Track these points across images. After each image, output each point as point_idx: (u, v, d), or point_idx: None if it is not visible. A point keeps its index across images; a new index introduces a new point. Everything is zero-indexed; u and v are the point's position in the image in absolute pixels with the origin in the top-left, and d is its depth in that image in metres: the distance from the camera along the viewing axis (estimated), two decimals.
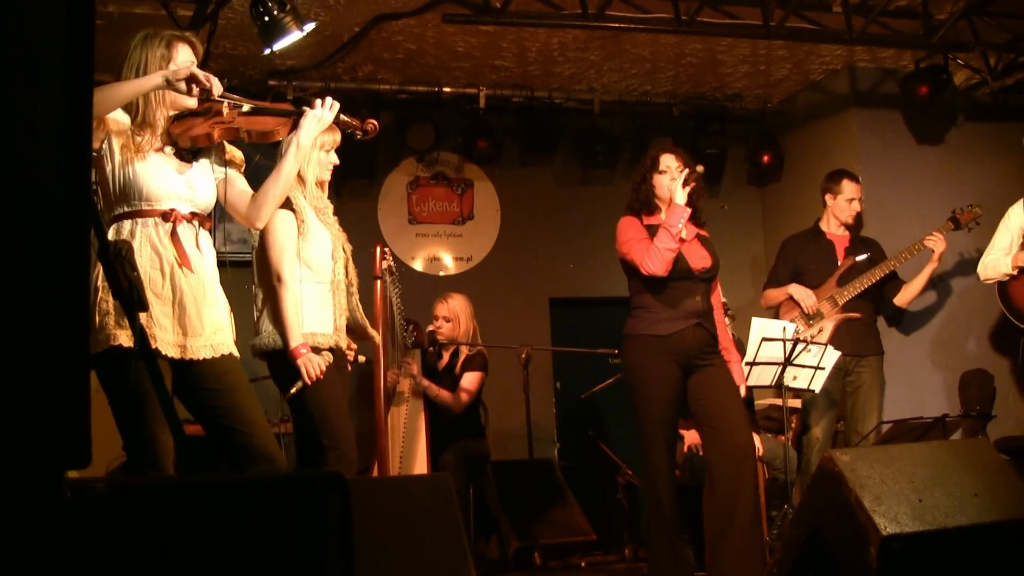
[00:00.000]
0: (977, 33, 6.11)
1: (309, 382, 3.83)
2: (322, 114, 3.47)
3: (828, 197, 6.11)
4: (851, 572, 3.25)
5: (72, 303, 1.38)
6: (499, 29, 6.13)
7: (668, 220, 4.45)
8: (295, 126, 3.47)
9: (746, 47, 6.64)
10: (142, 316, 2.65)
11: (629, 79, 7.17)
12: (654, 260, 4.41)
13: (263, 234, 3.92)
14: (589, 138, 7.44)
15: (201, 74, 3.13)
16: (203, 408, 3.23)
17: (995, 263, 5.97)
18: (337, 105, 3.52)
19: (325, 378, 3.89)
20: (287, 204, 3.87)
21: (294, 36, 5.08)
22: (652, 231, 4.51)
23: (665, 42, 6.47)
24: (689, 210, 4.47)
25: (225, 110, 3.25)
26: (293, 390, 3.89)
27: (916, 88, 6.67)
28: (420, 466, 5.43)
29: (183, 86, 3.12)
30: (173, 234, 3.19)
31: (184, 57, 3.25)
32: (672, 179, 4.54)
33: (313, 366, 3.83)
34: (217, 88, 3.19)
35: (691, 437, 5.73)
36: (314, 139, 3.60)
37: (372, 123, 3.74)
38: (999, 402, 6.33)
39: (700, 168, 4.57)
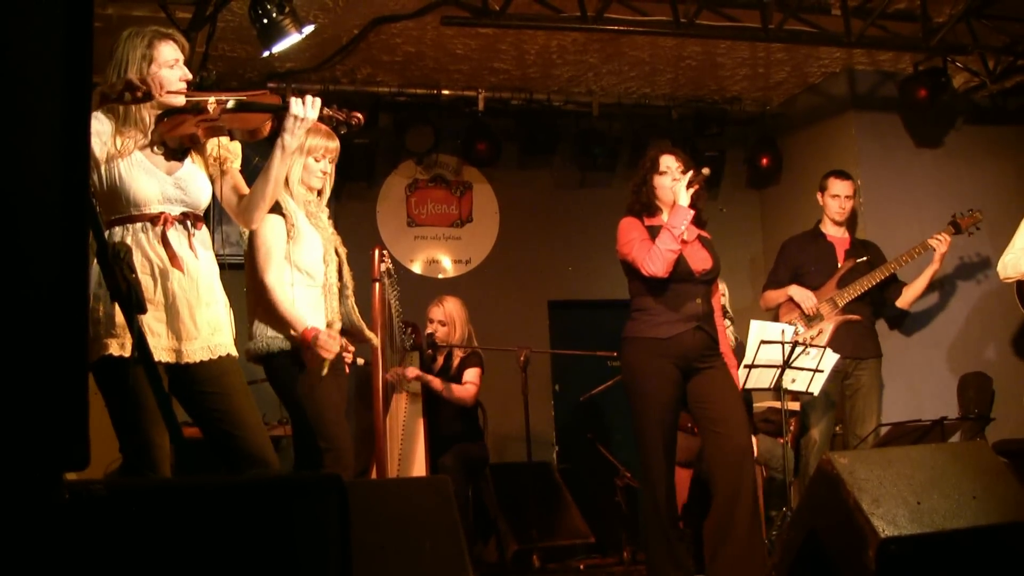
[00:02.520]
0: (976, 36, 6.11)
1: (332, 356, 3.85)
2: (304, 113, 3.40)
3: (819, 195, 6.16)
4: (849, 574, 3.25)
5: (70, 304, 1.38)
6: (498, 31, 6.13)
7: (671, 221, 4.45)
8: (280, 121, 3.43)
9: (745, 50, 6.65)
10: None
11: (628, 82, 7.17)
12: (655, 261, 4.41)
13: (251, 238, 3.92)
14: (588, 141, 7.44)
15: (136, 79, 3.04)
16: (199, 410, 3.23)
17: (1016, 262, 5.92)
18: (319, 102, 3.46)
19: (321, 380, 3.90)
20: (277, 208, 3.87)
21: (293, 38, 5.08)
22: (653, 232, 4.51)
23: (664, 45, 6.48)
24: (692, 212, 4.47)
25: (211, 108, 3.22)
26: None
27: (915, 91, 6.68)
28: (418, 468, 5.43)
29: (126, 96, 3.03)
30: (163, 238, 3.17)
31: (168, 55, 3.22)
32: (673, 179, 4.54)
33: (331, 344, 3.85)
34: (158, 88, 3.11)
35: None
36: (300, 139, 3.56)
37: (357, 116, 3.69)
38: (997, 405, 6.33)
39: (705, 171, 4.57)
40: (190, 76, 3.28)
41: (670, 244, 4.41)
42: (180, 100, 3.21)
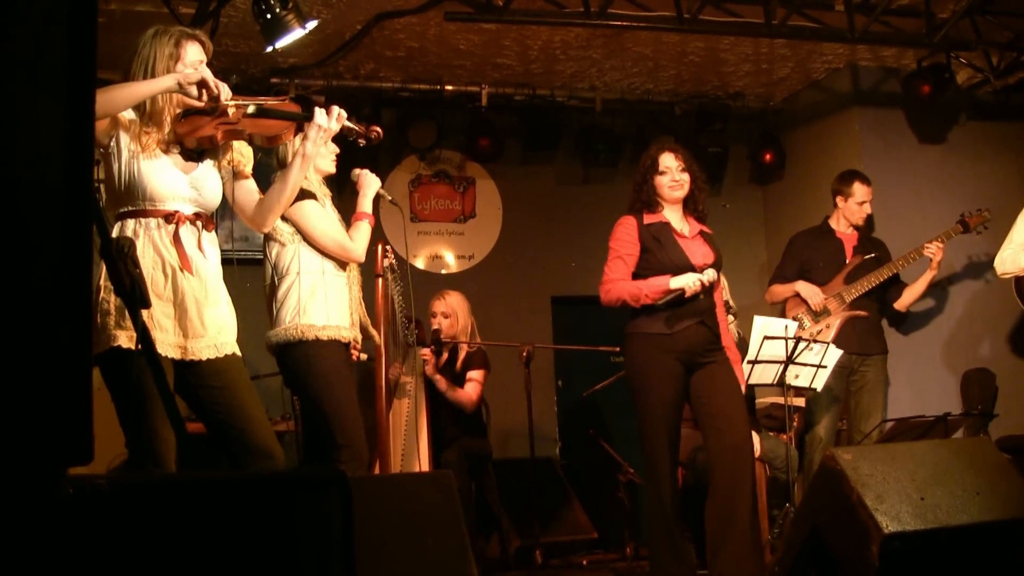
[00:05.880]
0: (979, 32, 6.10)
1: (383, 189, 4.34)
2: (328, 124, 3.49)
3: (839, 199, 6.10)
4: (853, 570, 3.25)
5: (74, 299, 1.38)
6: (501, 27, 6.13)
7: (648, 287, 4.43)
8: (300, 130, 3.48)
9: (748, 46, 6.64)
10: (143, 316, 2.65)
11: (631, 77, 7.16)
12: (608, 294, 4.54)
13: (299, 227, 3.96)
14: (591, 136, 7.44)
15: (212, 80, 3.13)
16: (204, 405, 3.24)
17: (1014, 257, 5.89)
18: (344, 115, 3.54)
19: (341, 375, 3.92)
20: (308, 194, 3.92)
21: (296, 34, 5.08)
22: (651, 230, 4.52)
23: (667, 40, 6.47)
24: (672, 296, 4.40)
25: (231, 111, 3.24)
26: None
27: (918, 87, 6.67)
28: (421, 463, 5.43)
29: (194, 90, 3.13)
30: (175, 236, 3.18)
31: (193, 56, 3.24)
32: (673, 179, 4.55)
33: (372, 180, 4.23)
34: (226, 93, 3.18)
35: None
36: (320, 148, 3.61)
37: (376, 130, 3.78)
38: (1001, 401, 6.32)
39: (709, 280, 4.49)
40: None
41: (627, 300, 4.47)
42: (200, 101, 3.23)
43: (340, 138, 3.94)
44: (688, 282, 4.39)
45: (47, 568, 1.44)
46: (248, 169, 3.50)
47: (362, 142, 3.79)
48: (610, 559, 6.35)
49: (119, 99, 3.08)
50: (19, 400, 1.34)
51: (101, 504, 1.53)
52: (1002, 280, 6.02)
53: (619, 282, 4.51)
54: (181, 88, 3.13)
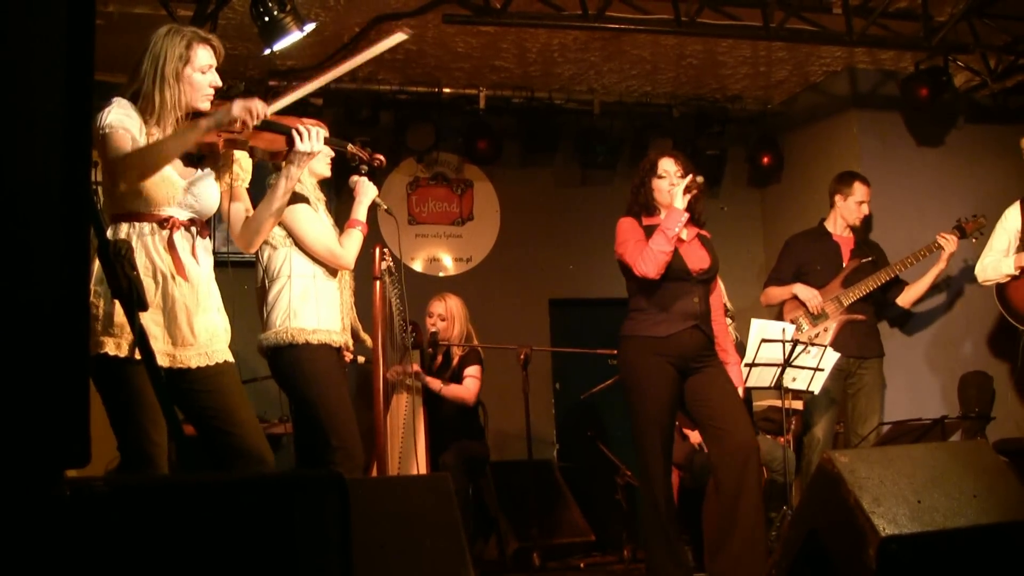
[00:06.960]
0: (977, 35, 6.11)
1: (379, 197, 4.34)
2: (309, 147, 3.38)
3: (838, 198, 6.11)
4: (850, 573, 3.25)
5: (72, 301, 1.38)
6: (499, 30, 6.13)
7: (665, 223, 4.46)
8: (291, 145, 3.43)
9: (746, 48, 6.64)
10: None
11: (629, 80, 7.17)
12: (647, 262, 4.43)
13: (291, 232, 3.95)
14: (589, 139, 7.44)
15: (256, 109, 3.13)
16: (193, 409, 3.22)
17: (995, 264, 5.95)
18: (323, 132, 3.44)
19: (333, 378, 3.91)
20: (302, 198, 3.91)
21: (294, 36, 5.08)
22: (650, 232, 4.52)
23: (665, 43, 6.48)
24: (687, 215, 4.48)
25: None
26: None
27: (916, 90, 6.68)
28: (419, 466, 5.43)
29: (239, 127, 3.13)
30: (170, 242, 3.16)
31: (203, 60, 3.21)
32: (671, 183, 4.55)
33: (369, 188, 4.21)
34: (260, 112, 3.17)
35: (696, 437, 5.72)
36: (304, 169, 3.56)
37: (379, 159, 3.80)
38: (998, 404, 6.33)
39: (700, 179, 4.56)
40: (220, 83, 3.26)
41: (663, 246, 4.42)
42: (206, 106, 3.20)
43: (341, 159, 3.93)
44: (680, 189, 4.48)
45: (46, 570, 1.44)
46: (245, 185, 3.46)
47: (364, 168, 3.79)
48: (608, 562, 6.35)
49: (170, 154, 3.10)
50: (17, 402, 1.34)
51: (99, 506, 1.53)
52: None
53: (639, 244, 4.50)
54: (220, 126, 3.13)
